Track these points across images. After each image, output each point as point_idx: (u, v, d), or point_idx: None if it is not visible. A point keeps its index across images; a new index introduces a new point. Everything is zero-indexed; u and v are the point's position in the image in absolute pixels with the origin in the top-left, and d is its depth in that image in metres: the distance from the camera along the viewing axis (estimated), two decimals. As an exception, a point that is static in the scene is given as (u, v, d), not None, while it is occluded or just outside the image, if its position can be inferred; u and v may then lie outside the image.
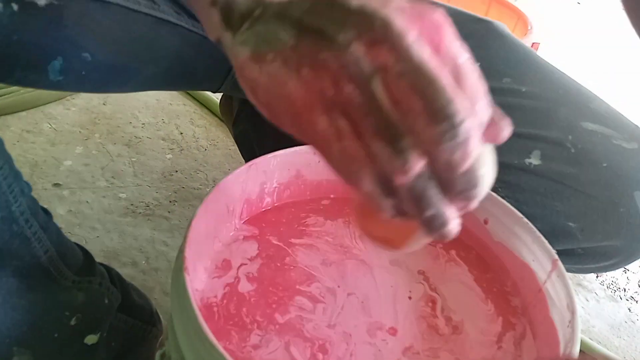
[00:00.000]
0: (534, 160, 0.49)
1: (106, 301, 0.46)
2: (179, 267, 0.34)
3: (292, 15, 0.25)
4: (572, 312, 0.35)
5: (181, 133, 0.93)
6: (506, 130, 0.26)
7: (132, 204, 0.77)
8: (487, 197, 0.45)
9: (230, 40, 0.27)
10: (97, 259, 0.67)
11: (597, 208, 0.49)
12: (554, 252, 0.39)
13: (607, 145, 0.49)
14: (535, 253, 0.41)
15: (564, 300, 0.37)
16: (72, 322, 0.41)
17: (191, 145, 0.91)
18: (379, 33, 0.24)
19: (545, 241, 0.40)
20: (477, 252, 0.46)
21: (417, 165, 0.24)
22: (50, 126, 0.88)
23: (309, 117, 0.26)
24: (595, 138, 0.49)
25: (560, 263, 0.39)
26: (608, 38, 1.58)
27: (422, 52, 0.23)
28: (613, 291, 0.83)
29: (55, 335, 0.40)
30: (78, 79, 0.43)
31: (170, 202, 0.79)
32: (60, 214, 0.73)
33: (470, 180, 0.26)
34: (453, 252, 0.46)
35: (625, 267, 0.90)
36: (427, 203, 0.26)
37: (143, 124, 0.92)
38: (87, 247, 0.69)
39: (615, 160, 0.48)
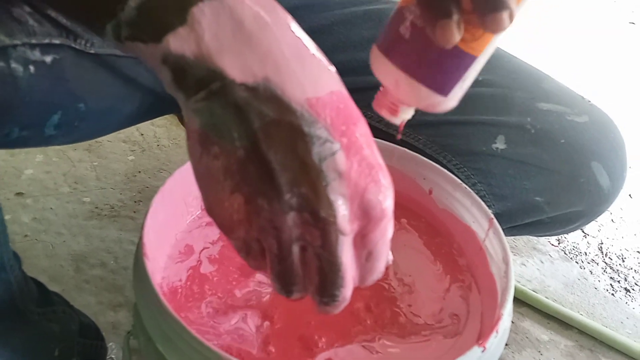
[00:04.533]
0: (500, 144, 0.53)
1: (73, 327, 0.46)
2: (138, 254, 0.36)
3: (252, 123, 0.24)
4: (507, 263, 0.38)
5: (142, 134, 0.94)
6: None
7: (96, 207, 0.78)
8: (430, 169, 0.48)
9: (183, 101, 0.26)
10: (65, 263, 0.69)
11: (560, 181, 0.53)
12: (489, 212, 0.43)
13: (562, 123, 0.53)
14: (475, 215, 0.44)
15: (500, 254, 0.40)
16: (56, 353, 0.42)
17: (153, 146, 0.92)
18: (320, 223, 0.25)
19: (482, 203, 0.44)
20: (425, 219, 0.49)
21: (297, 298, 0.29)
22: (8, 137, 0.87)
23: (228, 224, 0.27)
24: (551, 117, 0.53)
25: (495, 221, 0.42)
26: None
27: (344, 253, 0.26)
28: (568, 253, 0.88)
29: None
30: (69, 131, 0.43)
31: (135, 202, 0.80)
32: (25, 221, 0.73)
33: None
34: (404, 220, 0.49)
35: (585, 233, 0.96)
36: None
37: (102, 128, 0.93)
38: (55, 252, 0.70)
39: (571, 135, 0.53)
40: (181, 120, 0.80)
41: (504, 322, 0.35)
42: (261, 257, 0.28)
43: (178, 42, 0.24)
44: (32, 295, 0.43)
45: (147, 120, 0.57)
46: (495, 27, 0.29)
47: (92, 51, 0.42)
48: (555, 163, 0.53)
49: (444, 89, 0.31)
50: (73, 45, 0.40)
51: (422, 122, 0.54)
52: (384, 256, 0.28)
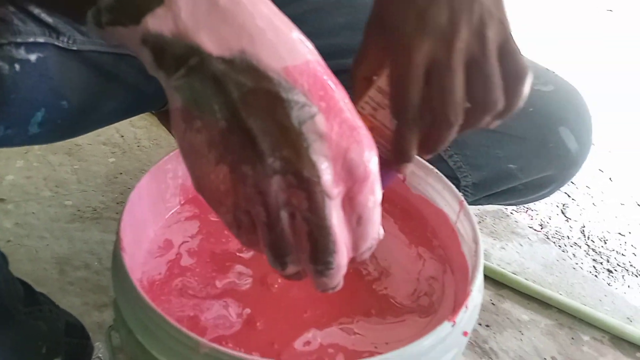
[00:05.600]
0: None
1: (59, 325, 0.47)
2: (116, 248, 0.37)
3: (230, 93, 0.25)
4: (476, 242, 0.40)
5: (122, 136, 0.94)
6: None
7: (78, 210, 0.78)
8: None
9: (164, 79, 0.26)
10: (49, 266, 0.69)
11: (530, 148, 0.56)
12: (460, 194, 0.44)
13: (530, 92, 0.55)
14: (446, 198, 0.45)
15: (470, 234, 0.41)
16: (44, 351, 0.42)
17: (133, 147, 0.92)
18: (304, 183, 0.25)
19: (453, 186, 0.45)
20: (400, 205, 0.50)
21: (292, 271, 0.30)
22: (-14, 144, 0.87)
23: (216, 197, 0.27)
24: None
25: (465, 203, 0.43)
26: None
27: (332, 216, 0.27)
28: (551, 237, 0.90)
29: None
30: (51, 129, 0.43)
31: (117, 203, 0.80)
32: (7, 227, 0.73)
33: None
34: (379, 208, 0.50)
35: (567, 217, 0.98)
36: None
37: (82, 131, 0.93)
38: (38, 256, 0.70)
39: (539, 103, 0.55)
40: (161, 120, 0.80)
41: (474, 298, 0.36)
42: (252, 232, 0.28)
43: (156, 22, 0.25)
44: (19, 294, 0.44)
45: (129, 117, 0.58)
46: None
47: (74, 48, 0.42)
48: (525, 130, 0.55)
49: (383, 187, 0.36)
50: (56, 43, 0.41)
51: None
52: (375, 221, 0.29)
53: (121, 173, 0.86)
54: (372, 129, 0.33)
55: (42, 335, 0.42)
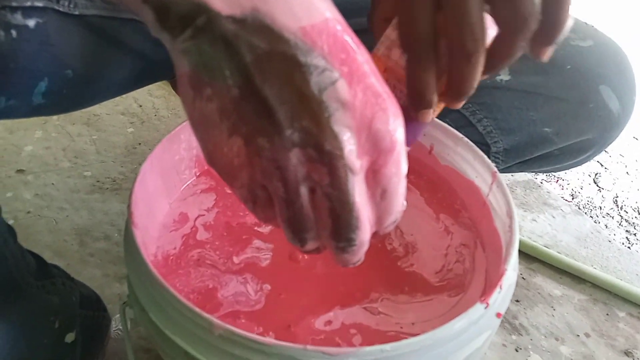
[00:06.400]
0: (504, 76, 0.51)
1: (73, 298, 0.46)
2: (127, 222, 0.35)
3: (243, 57, 0.23)
4: (511, 217, 0.37)
5: (140, 106, 0.92)
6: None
7: (98, 181, 0.77)
8: (431, 123, 0.46)
9: (169, 42, 0.24)
10: (69, 237, 0.69)
11: (568, 109, 0.51)
12: (492, 165, 0.41)
13: (567, 48, 0.51)
14: (477, 169, 0.42)
15: (503, 207, 0.38)
16: (56, 325, 0.41)
17: (152, 117, 0.90)
18: (326, 157, 0.23)
19: (484, 155, 0.42)
20: (427, 177, 0.47)
21: (312, 247, 0.28)
22: (6, 115, 0.86)
23: (229, 171, 0.25)
24: None
25: (498, 174, 0.40)
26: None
27: (355, 192, 0.24)
28: (582, 208, 0.86)
29: (45, 341, 0.40)
30: (58, 100, 0.41)
31: (136, 174, 0.79)
32: (27, 198, 0.73)
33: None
34: (404, 180, 0.47)
35: (600, 187, 0.93)
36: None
37: (100, 101, 0.91)
38: (58, 227, 0.70)
39: (577, 60, 0.50)
40: (175, 89, 0.78)
41: (508, 277, 0.33)
42: (269, 207, 0.26)
43: None
44: (30, 268, 0.43)
45: (141, 87, 0.56)
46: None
47: (76, 12, 0.40)
48: (562, 90, 0.51)
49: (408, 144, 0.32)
50: (56, 7, 0.38)
51: None
52: (401, 194, 0.26)
53: (140, 143, 0.84)
54: (386, 70, 0.29)
55: (55, 309, 0.41)
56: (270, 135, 0.23)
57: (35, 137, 0.83)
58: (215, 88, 0.23)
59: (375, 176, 0.25)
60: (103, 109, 0.90)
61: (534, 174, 0.90)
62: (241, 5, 0.22)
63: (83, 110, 0.90)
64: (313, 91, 0.23)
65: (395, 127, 0.24)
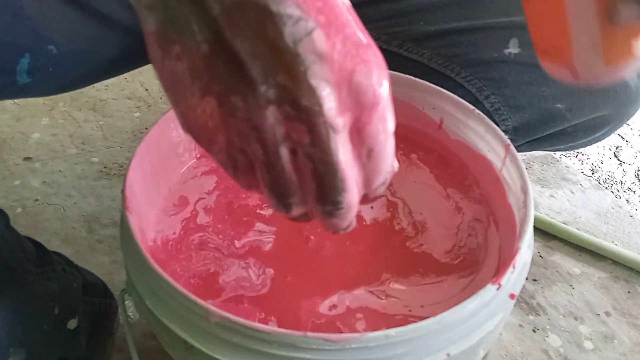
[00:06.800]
0: (513, 49, 0.48)
1: (75, 285, 0.45)
2: (122, 208, 0.34)
3: (211, 9, 0.21)
4: (525, 192, 0.35)
5: (146, 90, 0.91)
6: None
7: (105, 167, 0.76)
8: (440, 96, 0.44)
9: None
10: (77, 225, 0.68)
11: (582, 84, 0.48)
12: (506, 137, 0.39)
13: None
14: (490, 143, 0.40)
15: (517, 182, 0.36)
16: (56, 311, 0.41)
17: (158, 101, 0.89)
18: (304, 114, 0.22)
19: (497, 127, 0.39)
20: (437, 153, 0.45)
21: (298, 213, 0.26)
22: (13, 102, 0.86)
23: (205, 134, 0.24)
24: None
25: (512, 147, 0.38)
26: None
27: (338, 151, 0.23)
28: (603, 183, 0.83)
29: (45, 327, 0.40)
30: (46, 78, 0.40)
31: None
32: (35, 186, 0.73)
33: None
34: (414, 156, 0.45)
35: (621, 160, 0.90)
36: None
37: (106, 85, 0.90)
38: (66, 215, 0.69)
39: None
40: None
41: (522, 256, 0.31)
42: (251, 173, 0.25)
43: None
44: (29, 254, 0.42)
45: (138, 67, 0.54)
46: None
47: None
48: None
49: None
50: None
51: (425, 34, 0.49)
52: (389, 153, 0.25)
53: (147, 128, 0.83)
54: None
55: (54, 296, 0.41)
56: (244, 93, 0.22)
57: (42, 124, 0.83)
58: (184, 45, 0.22)
59: (359, 134, 0.23)
60: (109, 94, 0.89)
61: (551, 148, 0.87)
62: None
63: (88, 95, 0.89)
64: (287, 43, 0.21)
65: (379, 81, 0.22)
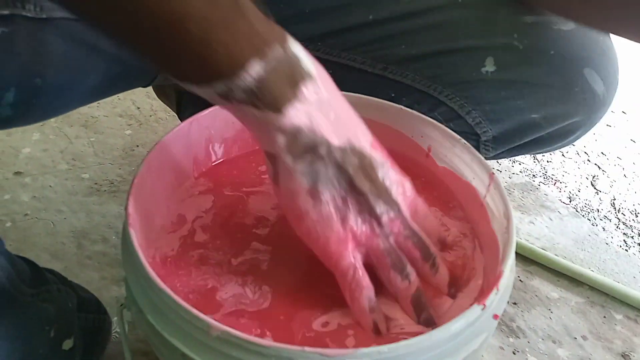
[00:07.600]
0: (489, 67, 0.51)
1: (70, 304, 0.45)
2: (125, 225, 0.35)
3: (347, 170, 0.33)
4: (508, 219, 0.37)
5: (138, 108, 0.92)
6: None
7: (95, 183, 0.77)
8: (428, 124, 0.46)
9: (290, 162, 0.33)
10: (67, 240, 0.69)
11: (554, 95, 0.52)
12: (489, 166, 0.41)
13: (549, 33, 0.51)
14: (475, 170, 0.42)
15: (501, 209, 0.38)
16: (52, 334, 0.41)
17: (150, 119, 0.90)
18: (397, 214, 0.36)
19: (482, 157, 0.42)
20: (425, 179, 0.47)
21: (418, 281, 0.37)
22: (4, 117, 0.86)
23: (338, 250, 0.35)
24: (537, 29, 0.51)
25: (496, 176, 0.40)
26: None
27: (414, 225, 0.37)
28: (580, 210, 0.86)
29: (40, 351, 0.40)
30: (27, 109, 0.41)
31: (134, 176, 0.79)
32: (25, 200, 0.73)
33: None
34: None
35: (597, 189, 0.93)
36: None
37: (98, 103, 0.91)
38: (56, 230, 0.70)
39: (560, 45, 0.51)
40: (158, 95, 0.75)
41: (505, 278, 0.34)
42: (365, 271, 0.36)
43: (295, 115, 0.31)
44: (23, 275, 0.42)
45: (116, 93, 0.55)
46: None
47: (43, 16, 0.39)
48: (547, 77, 0.51)
49: None
50: (23, 13, 0.37)
51: (407, 57, 0.52)
52: (430, 216, 0.41)
53: (138, 145, 0.85)
54: None
55: (50, 318, 0.41)
56: (369, 210, 0.35)
57: (33, 139, 0.83)
58: (331, 193, 0.34)
59: (416, 214, 0.38)
60: (101, 111, 0.90)
61: (531, 176, 0.90)
62: (341, 138, 0.33)
63: (80, 112, 0.90)
64: (384, 183, 0.35)
65: (408, 190, 0.38)
